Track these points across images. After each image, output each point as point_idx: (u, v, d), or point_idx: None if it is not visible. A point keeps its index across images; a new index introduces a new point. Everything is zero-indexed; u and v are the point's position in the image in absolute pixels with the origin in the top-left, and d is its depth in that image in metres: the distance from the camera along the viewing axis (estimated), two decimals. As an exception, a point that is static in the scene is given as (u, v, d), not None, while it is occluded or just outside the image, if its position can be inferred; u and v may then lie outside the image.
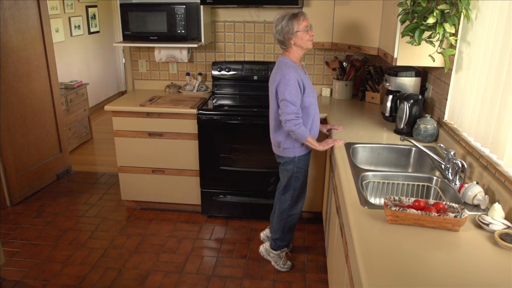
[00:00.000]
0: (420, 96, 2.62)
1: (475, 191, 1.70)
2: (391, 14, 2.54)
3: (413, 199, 1.63)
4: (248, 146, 3.30)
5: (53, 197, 3.93)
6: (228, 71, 3.64)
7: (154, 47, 3.65)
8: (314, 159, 3.18)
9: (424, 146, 2.19)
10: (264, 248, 2.91)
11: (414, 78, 2.80)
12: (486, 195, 1.68)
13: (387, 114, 2.86)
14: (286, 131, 2.52)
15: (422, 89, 2.83)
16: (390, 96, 2.82)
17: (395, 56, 2.44)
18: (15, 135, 3.73)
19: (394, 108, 2.80)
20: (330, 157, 2.86)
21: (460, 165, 1.89)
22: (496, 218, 1.54)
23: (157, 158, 3.42)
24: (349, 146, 2.39)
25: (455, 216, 1.49)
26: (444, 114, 2.42)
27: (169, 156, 3.40)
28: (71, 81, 5.11)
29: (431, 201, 1.62)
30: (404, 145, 2.40)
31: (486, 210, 1.65)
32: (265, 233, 3.09)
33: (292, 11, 2.41)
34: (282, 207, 2.73)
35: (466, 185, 1.74)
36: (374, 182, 2.04)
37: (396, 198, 1.64)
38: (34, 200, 3.86)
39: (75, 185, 4.18)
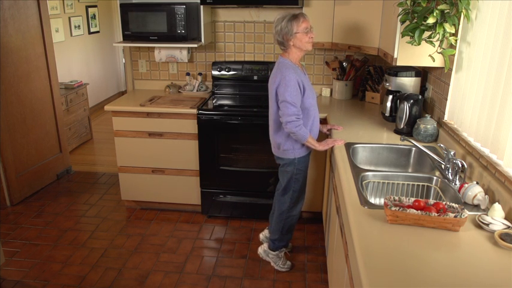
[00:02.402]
0: (420, 96, 2.62)
1: (475, 191, 1.70)
2: (391, 14, 2.54)
3: (413, 199, 1.63)
4: (248, 146, 3.30)
5: (53, 197, 3.93)
6: (228, 71, 3.64)
7: (154, 47, 3.65)
8: (314, 160, 3.18)
9: (424, 146, 2.19)
10: (263, 250, 2.91)
11: (414, 78, 2.80)
12: (486, 195, 1.68)
13: (387, 114, 2.86)
14: (287, 132, 2.51)
15: (422, 89, 2.83)
16: (390, 96, 2.82)
17: (395, 56, 2.44)
18: (15, 135, 3.73)
19: (394, 108, 2.80)
20: (330, 157, 2.86)
21: (460, 165, 1.89)
22: (496, 218, 1.54)
23: (157, 158, 3.42)
24: (349, 146, 2.39)
25: (455, 216, 1.49)
26: (444, 114, 2.42)
27: (169, 156, 3.40)
28: (71, 81, 5.11)
29: (431, 201, 1.62)
30: (404, 145, 2.40)
31: (486, 210, 1.65)
32: (264, 234, 3.09)
33: (292, 12, 2.40)
34: (281, 208, 2.73)
35: (466, 185, 1.74)
36: (374, 182, 2.04)
37: (396, 198, 1.64)
38: (34, 200, 3.86)
39: (75, 185, 4.18)
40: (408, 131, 2.57)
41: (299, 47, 2.41)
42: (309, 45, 2.42)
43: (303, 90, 2.42)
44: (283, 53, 2.49)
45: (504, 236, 1.43)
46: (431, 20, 2.09)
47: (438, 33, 2.14)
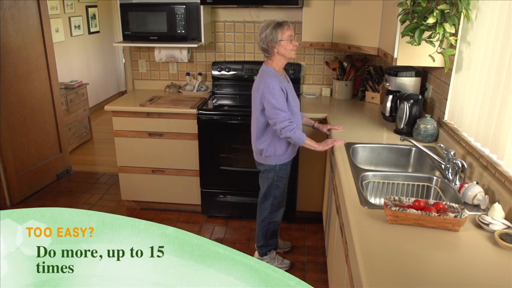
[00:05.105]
0: (420, 96, 2.62)
1: (475, 191, 1.70)
2: (391, 14, 2.54)
3: (413, 199, 1.63)
4: (248, 146, 3.27)
5: (53, 197, 3.93)
6: (228, 71, 3.64)
7: (154, 47, 3.65)
8: (314, 160, 3.18)
9: (424, 146, 2.19)
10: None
11: (414, 78, 2.80)
12: (486, 195, 1.68)
13: (387, 114, 2.86)
14: (269, 139, 2.52)
15: (422, 89, 2.83)
16: (390, 96, 2.82)
17: (395, 56, 2.44)
18: (15, 135, 3.73)
19: (394, 108, 2.80)
20: (330, 157, 2.86)
21: (460, 165, 1.89)
22: (496, 218, 1.54)
23: (157, 158, 3.42)
24: (349, 146, 2.39)
25: (455, 216, 1.49)
26: (444, 114, 2.42)
27: (169, 156, 3.40)
28: (71, 81, 5.11)
29: (431, 201, 1.62)
30: (404, 145, 2.40)
31: (486, 210, 1.65)
32: None
33: (276, 20, 2.41)
34: (262, 215, 2.74)
35: (466, 185, 1.74)
36: (374, 182, 2.04)
37: (396, 198, 1.64)
38: (34, 200, 3.86)
39: (75, 185, 4.18)
40: (408, 131, 2.57)
41: (283, 55, 2.42)
42: (293, 53, 2.44)
43: (286, 97, 2.44)
44: (267, 61, 2.50)
45: (504, 236, 1.43)
46: (431, 20, 2.09)
47: (438, 33, 2.14)
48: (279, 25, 2.37)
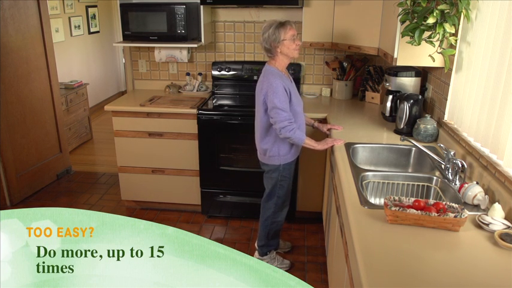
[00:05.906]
0: (420, 96, 2.62)
1: (475, 191, 1.70)
2: (391, 14, 2.54)
3: (413, 199, 1.63)
4: (248, 146, 3.29)
5: (53, 197, 3.93)
6: (228, 71, 3.64)
7: (154, 47, 3.65)
8: (314, 160, 3.18)
9: (424, 146, 2.19)
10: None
11: (414, 78, 2.80)
12: (486, 195, 1.68)
13: (387, 114, 2.86)
14: (273, 139, 2.53)
15: (422, 89, 2.83)
16: (390, 96, 2.82)
17: (395, 56, 2.44)
18: (15, 135, 3.73)
19: (394, 108, 2.80)
20: (330, 157, 2.87)
21: (460, 165, 1.89)
22: (496, 218, 1.54)
23: (157, 158, 3.42)
24: (349, 146, 2.39)
25: (455, 216, 1.49)
26: (444, 114, 2.42)
27: (169, 156, 3.40)
28: (71, 81, 5.11)
29: (431, 201, 1.62)
30: (404, 145, 2.40)
31: (486, 210, 1.65)
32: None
33: (279, 20, 2.41)
34: (265, 214, 2.74)
35: (466, 185, 1.74)
36: (374, 182, 2.04)
37: (396, 198, 1.64)
38: (34, 200, 3.86)
39: (75, 185, 4.18)
40: (408, 131, 2.57)
41: (286, 54, 2.42)
42: (296, 52, 2.44)
43: (289, 97, 2.44)
44: (270, 61, 2.50)
45: (504, 236, 1.43)
46: (431, 20, 2.09)
47: (438, 33, 2.14)
48: (282, 25, 2.37)
